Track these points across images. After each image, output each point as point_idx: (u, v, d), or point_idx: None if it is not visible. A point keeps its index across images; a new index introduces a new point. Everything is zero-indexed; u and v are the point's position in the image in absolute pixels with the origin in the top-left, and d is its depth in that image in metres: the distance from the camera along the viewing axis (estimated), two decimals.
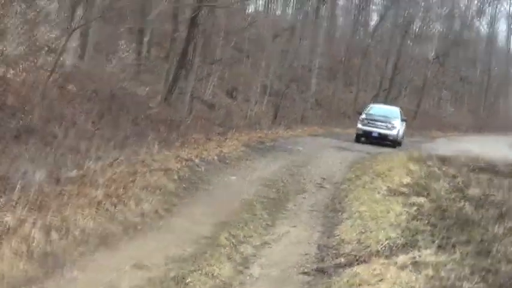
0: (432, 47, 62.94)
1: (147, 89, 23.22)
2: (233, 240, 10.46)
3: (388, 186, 15.74)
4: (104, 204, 10.91)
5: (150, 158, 15.30)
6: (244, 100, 37.87)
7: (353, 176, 18.13)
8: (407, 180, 17.01)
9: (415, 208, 13.21)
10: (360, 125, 31.84)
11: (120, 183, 12.19)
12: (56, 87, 18.55)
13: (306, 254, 10.19)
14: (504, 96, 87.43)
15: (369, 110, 33.44)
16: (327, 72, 51.69)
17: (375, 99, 47.21)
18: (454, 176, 19.09)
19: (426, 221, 12.15)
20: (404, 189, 15.59)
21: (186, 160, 16.17)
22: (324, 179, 17.64)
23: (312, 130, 35.02)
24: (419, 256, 9.47)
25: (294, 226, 12.06)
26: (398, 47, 55.81)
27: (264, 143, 23.98)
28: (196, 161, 16.49)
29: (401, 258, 9.37)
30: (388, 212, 12.59)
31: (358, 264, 9.47)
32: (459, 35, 67.07)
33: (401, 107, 36.63)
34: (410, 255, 9.57)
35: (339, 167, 20.09)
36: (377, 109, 34.12)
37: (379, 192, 14.92)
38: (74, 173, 12.27)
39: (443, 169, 20.56)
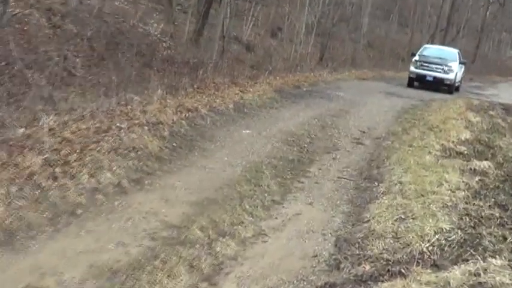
0: None
1: (162, 26, 19.44)
2: (211, 232, 7.02)
3: (442, 144, 12.13)
4: (38, 177, 7.51)
5: (140, 107, 11.83)
6: (289, 41, 34.13)
7: (400, 129, 14.48)
8: (466, 135, 13.38)
9: (477, 178, 9.68)
10: (412, 68, 27.91)
11: (77, 144, 8.82)
12: (50, 27, 15.44)
13: (315, 257, 6.66)
14: None
15: (423, 51, 29.50)
16: (379, 11, 47.54)
17: (431, 41, 43.11)
18: None
19: (493, 200, 8.52)
20: (462, 148, 12.02)
21: (189, 110, 12.79)
22: (363, 132, 14.08)
23: (360, 73, 31.24)
24: (485, 270, 5.82)
25: (310, 203, 8.64)
26: None
27: (300, 88, 20.39)
28: (203, 111, 13.07)
29: (457, 273, 5.74)
30: (441, 185, 9.01)
31: (389, 278, 5.88)
32: None
33: (459, 49, 32.32)
34: (471, 266, 5.94)
35: (384, 117, 16.41)
36: (432, 50, 30.16)
37: (430, 153, 11.31)
38: (20, 132, 8.94)
39: (509, 121, 16.74)
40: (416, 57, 28.22)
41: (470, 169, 10.31)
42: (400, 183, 9.17)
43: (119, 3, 19.23)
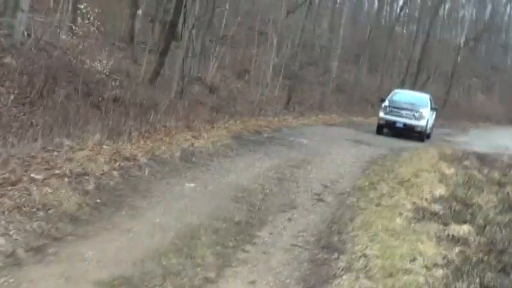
0: (462, 32, 57.25)
1: (113, 64, 17.65)
2: None
3: (414, 203, 10.53)
4: None
5: (68, 154, 10.03)
6: (256, 83, 32.63)
7: (367, 183, 12.78)
8: (441, 191, 11.84)
9: (457, 249, 8.03)
10: (382, 114, 26.28)
11: None
12: None
13: None
14: None
15: (392, 96, 27.86)
16: (349, 55, 46.18)
17: (402, 85, 41.64)
18: (501, 184, 13.79)
19: (478, 281, 6.79)
20: (437, 208, 10.47)
21: (126, 159, 11.02)
22: (326, 186, 12.34)
23: (328, 118, 29.67)
24: None
25: (252, 282, 6.89)
26: (426, 30, 50.02)
27: (261, 134, 18.67)
28: (143, 159, 11.31)
29: None
30: (415, 259, 7.39)
31: None
32: (491, 19, 61.08)
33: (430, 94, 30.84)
34: None
35: (350, 169, 14.69)
36: (402, 95, 28.61)
37: (401, 214, 9.64)
38: None
39: (485, 172, 15.12)
40: (386, 103, 26.60)
41: (448, 236, 8.67)
42: (365, 256, 7.44)
43: (66, 37, 17.40)
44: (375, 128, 26.61)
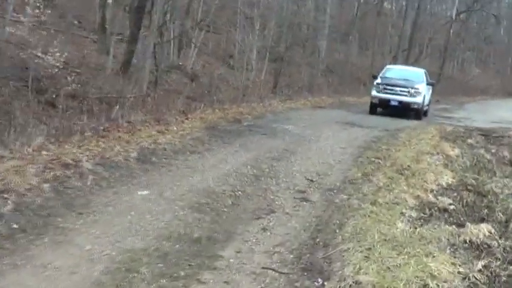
0: (453, 4, 55.04)
1: (68, 56, 15.48)
2: None
3: (418, 197, 8.41)
4: None
5: None
6: (241, 69, 30.48)
7: (360, 174, 10.74)
8: (447, 178, 9.84)
9: (480, 265, 5.79)
10: (374, 92, 24.11)
11: None
12: None
13: None
14: None
15: (385, 73, 25.70)
16: (337, 34, 43.99)
17: (394, 62, 39.38)
18: None
19: None
20: (447, 202, 8.50)
21: (65, 166, 9.00)
22: (311, 181, 10.26)
23: (318, 101, 27.53)
24: None
25: None
26: (416, 4, 47.76)
27: (241, 122, 16.46)
28: (87, 165, 9.24)
29: None
30: (426, 286, 5.01)
31: None
32: None
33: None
34: None
35: (340, 157, 12.61)
36: (396, 71, 26.42)
37: (403, 215, 7.57)
38: None
39: (493, 151, 13.01)
40: (379, 80, 24.46)
41: (465, 242, 6.44)
42: (358, 284, 5.26)
43: (15, 30, 15.22)
44: (367, 108, 24.33)
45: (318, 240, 7.19)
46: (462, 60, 63.89)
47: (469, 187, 9.80)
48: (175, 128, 13.48)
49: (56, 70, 14.45)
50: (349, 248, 6.52)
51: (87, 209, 7.70)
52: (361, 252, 6.29)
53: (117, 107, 14.66)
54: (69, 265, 5.98)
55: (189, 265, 6.24)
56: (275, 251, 6.86)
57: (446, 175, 10.43)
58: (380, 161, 12.00)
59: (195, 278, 5.95)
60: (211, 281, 5.93)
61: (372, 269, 5.72)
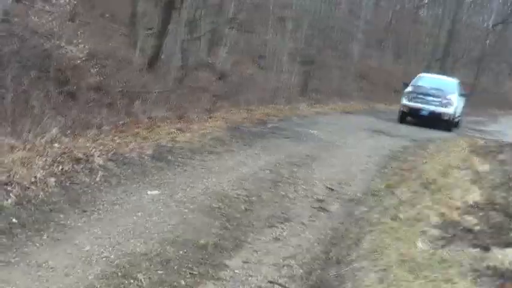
0: (490, 16, 54.07)
1: (93, 47, 15.14)
2: None
3: (442, 214, 7.84)
4: None
5: None
6: (271, 70, 30.10)
7: (383, 185, 10.25)
8: (474, 195, 9.22)
9: None
10: (405, 101, 23.45)
11: None
12: None
13: None
14: None
15: (417, 81, 24.99)
16: (371, 40, 43.36)
17: (427, 71, 38.57)
18: None
19: None
20: (472, 222, 7.90)
21: (76, 160, 8.61)
22: (331, 190, 9.78)
23: (347, 106, 26.92)
24: None
25: None
26: (452, 13, 46.92)
27: (266, 124, 16.04)
28: (99, 160, 8.85)
29: None
30: None
31: None
32: None
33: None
34: None
35: (364, 166, 12.13)
36: (428, 80, 25.66)
37: (424, 233, 7.12)
38: None
39: None
40: (410, 88, 23.83)
41: (488, 268, 5.92)
42: None
43: (40, 20, 14.84)
44: (397, 116, 23.73)
45: (331, 255, 6.76)
46: (497, 72, 62.71)
47: (496, 206, 9.26)
48: (196, 127, 13.08)
49: (79, 61, 14.07)
50: (363, 267, 6.08)
51: (93, 206, 7.32)
52: (375, 272, 5.84)
53: (139, 101, 14.25)
54: (64, 266, 5.62)
55: (191, 273, 5.86)
56: (285, 263, 6.45)
57: (473, 192, 9.90)
58: (405, 172, 11.51)
59: None
60: None
61: None
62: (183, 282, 5.64)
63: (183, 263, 6.07)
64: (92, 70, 14.32)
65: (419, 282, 5.51)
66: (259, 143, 13.03)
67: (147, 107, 14.15)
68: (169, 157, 10.32)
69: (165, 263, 5.98)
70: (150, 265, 5.88)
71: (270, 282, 5.91)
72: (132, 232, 6.69)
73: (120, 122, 12.27)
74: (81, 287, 5.25)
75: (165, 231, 6.87)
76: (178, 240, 6.62)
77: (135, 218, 7.17)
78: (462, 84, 26.84)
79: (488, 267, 6.14)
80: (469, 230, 7.64)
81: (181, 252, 6.33)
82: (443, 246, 6.77)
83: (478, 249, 6.72)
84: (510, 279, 5.86)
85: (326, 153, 12.97)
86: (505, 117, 38.68)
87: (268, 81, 25.64)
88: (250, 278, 5.93)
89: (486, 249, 6.75)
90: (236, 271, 6.10)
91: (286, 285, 5.86)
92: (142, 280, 5.51)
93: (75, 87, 13.43)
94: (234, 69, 26.29)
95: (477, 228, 7.75)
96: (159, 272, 5.77)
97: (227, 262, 6.28)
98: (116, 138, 10.53)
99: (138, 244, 6.36)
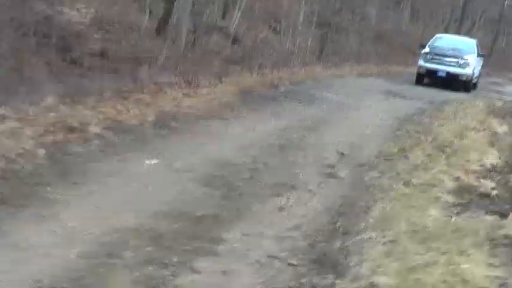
0: None
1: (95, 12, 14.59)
2: None
3: (457, 178, 7.17)
4: None
5: None
6: (287, 33, 29.43)
7: (396, 149, 9.66)
8: (492, 158, 8.69)
9: None
10: (421, 62, 22.75)
11: None
12: None
13: None
14: None
15: (434, 42, 24.23)
16: (388, 2, 42.43)
17: (445, 33, 37.67)
18: None
19: None
20: (489, 186, 7.38)
21: (68, 130, 7.98)
22: (342, 155, 9.23)
23: (364, 69, 26.17)
24: None
25: None
26: None
27: (278, 87, 15.36)
28: (95, 129, 8.32)
29: None
30: None
31: None
32: None
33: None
34: None
35: (378, 129, 11.55)
36: (445, 40, 24.93)
37: (437, 199, 6.51)
38: None
39: None
40: (427, 49, 23.10)
41: (507, 237, 5.31)
42: (372, 287, 4.22)
43: None
44: (414, 78, 23.00)
45: (338, 225, 6.19)
46: None
47: None
48: (204, 92, 12.50)
49: (82, 27, 13.53)
50: (371, 238, 5.54)
51: (84, 178, 6.78)
52: (383, 244, 5.29)
53: (146, 67, 13.68)
54: (45, 245, 5.08)
55: (185, 249, 5.32)
56: (288, 235, 5.91)
57: (491, 154, 9.35)
58: (420, 135, 10.92)
59: (188, 265, 5.03)
60: (207, 270, 5.01)
61: (393, 269, 4.71)
62: (174, 259, 5.10)
63: (177, 237, 5.54)
64: (95, 36, 13.77)
65: (430, 255, 4.95)
66: (270, 108, 12.47)
67: (154, 73, 13.58)
68: (173, 124, 9.77)
69: (156, 239, 5.45)
70: (140, 241, 5.35)
71: (270, 257, 5.35)
72: (124, 205, 6.18)
73: (124, 89, 11.70)
74: (59, 269, 4.71)
75: (160, 202, 6.34)
76: (174, 212, 6.10)
77: (128, 189, 6.64)
78: (480, 45, 26.05)
79: (506, 236, 5.56)
80: (486, 195, 7.09)
81: (175, 225, 5.80)
82: (458, 214, 6.20)
83: (495, 216, 6.13)
84: None
85: (339, 117, 12.43)
86: None
87: (283, 45, 25.02)
88: (248, 253, 5.41)
89: (504, 215, 6.17)
90: (234, 245, 5.58)
91: (288, 260, 5.27)
92: (130, 259, 4.98)
93: (78, 54, 12.89)
94: (248, 34, 25.61)
95: (494, 192, 7.19)
96: (149, 248, 5.23)
97: (225, 235, 5.74)
98: (117, 105, 9.98)
99: (129, 218, 5.82)
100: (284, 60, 21.91)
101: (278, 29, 29.13)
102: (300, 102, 13.62)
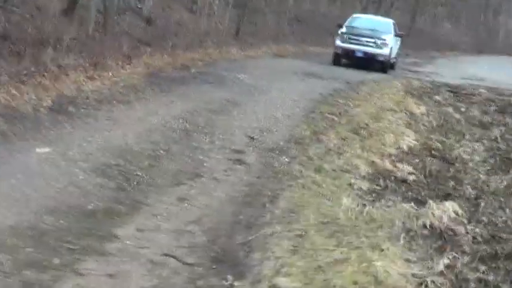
0: None
1: None
2: None
3: (372, 163, 6.82)
4: None
5: None
6: (203, 14, 28.81)
7: (309, 132, 9.19)
8: (409, 140, 8.30)
9: (442, 264, 4.32)
10: (338, 42, 22.46)
11: None
12: None
13: None
14: (506, 14, 76.39)
15: (351, 22, 23.98)
16: None
17: (363, 14, 37.65)
18: (484, 125, 10.20)
19: None
20: (406, 170, 7.00)
21: None
22: (252, 139, 8.72)
23: (281, 49, 25.83)
24: None
25: None
26: None
27: (189, 69, 14.73)
28: None
29: None
30: None
31: None
32: None
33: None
34: None
35: (291, 111, 11.08)
36: (363, 20, 24.73)
37: (351, 186, 6.16)
38: None
39: (462, 109, 11.51)
40: (343, 29, 22.81)
41: (425, 227, 4.92)
42: None
43: None
44: (331, 58, 22.70)
45: (242, 217, 5.69)
46: (434, 15, 62.25)
47: (433, 152, 8.37)
48: (110, 74, 11.83)
49: None
50: (276, 232, 5.05)
51: None
52: (289, 239, 4.81)
53: (51, 50, 12.89)
54: None
55: (70, 249, 4.75)
56: (187, 229, 5.39)
57: (408, 136, 9.02)
58: (335, 117, 10.52)
59: (72, 268, 4.47)
60: (92, 272, 4.44)
61: (298, 267, 4.22)
62: (57, 261, 4.53)
63: (62, 235, 4.95)
64: None
65: (340, 251, 4.50)
66: (178, 90, 11.88)
67: (59, 56, 12.81)
68: (71, 109, 9.10)
69: (38, 238, 4.85)
70: (19, 241, 4.74)
71: (165, 255, 4.80)
72: (5, 200, 5.52)
73: (24, 72, 10.93)
74: None
75: (46, 196, 5.72)
76: (61, 207, 5.49)
77: (13, 181, 5.99)
78: (398, 26, 25.95)
79: (424, 226, 5.16)
80: (403, 181, 6.71)
81: (61, 222, 5.21)
82: (372, 202, 5.79)
83: (412, 204, 5.72)
84: (449, 240, 4.87)
85: (250, 99, 11.90)
86: (442, 58, 38.23)
87: (198, 26, 24.42)
88: (141, 251, 4.87)
89: (422, 202, 5.78)
90: (127, 242, 5.02)
91: (183, 259, 4.74)
92: (4, 263, 4.35)
93: None
94: (163, 14, 24.99)
95: (412, 178, 6.80)
96: (28, 249, 4.64)
97: (118, 231, 5.18)
98: (12, 90, 9.22)
99: (9, 215, 5.20)
100: (199, 41, 21.34)
101: (194, 9, 28.58)
102: (211, 84, 13.06)
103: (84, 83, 10.67)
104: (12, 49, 12.38)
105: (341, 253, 4.47)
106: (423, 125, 10.26)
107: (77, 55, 13.36)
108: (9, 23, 13.32)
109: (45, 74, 11.00)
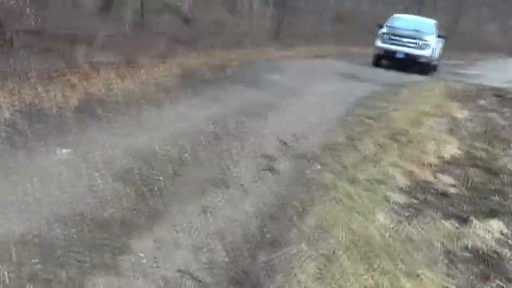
0: None
1: None
2: None
3: (411, 174, 6.34)
4: None
5: None
6: (244, 14, 28.69)
7: (344, 137, 8.68)
8: (451, 148, 7.78)
9: None
10: (379, 42, 22.00)
11: None
12: None
13: None
14: None
15: (392, 22, 23.39)
16: None
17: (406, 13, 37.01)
18: None
19: None
20: (448, 182, 6.69)
21: None
22: (285, 144, 8.25)
23: (321, 50, 25.35)
24: None
25: None
26: None
27: (225, 69, 14.34)
28: (4, 115, 7.09)
29: None
30: None
31: None
32: None
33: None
34: None
35: (327, 115, 10.64)
36: (404, 21, 24.13)
37: (386, 200, 5.67)
38: None
39: (507, 115, 10.98)
40: (384, 29, 22.31)
41: (467, 249, 4.46)
42: None
43: None
44: (371, 59, 22.20)
45: (266, 231, 5.27)
46: (478, 16, 61.13)
47: (477, 161, 7.84)
48: (142, 73, 11.45)
49: (13, 3, 12.47)
50: (301, 252, 4.59)
51: None
52: (315, 261, 4.37)
53: (85, 47, 12.66)
54: None
55: (79, 261, 4.36)
56: (207, 244, 4.97)
57: (450, 144, 8.50)
58: (372, 121, 10.03)
59: (78, 283, 4.08)
60: None
61: None
62: (63, 276, 4.19)
63: (72, 247, 4.59)
64: (28, 12, 12.72)
65: (371, 275, 4.05)
66: (210, 91, 11.50)
67: (92, 53, 12.57)
68: (98, 109, 8.77)
69: (46, 249, 4.51)
70: (24, 252, 4.39)
71: (180, 271, 4.42)
72: (17, 205, 5.19)
73: (53, 69, 10.67)
74: None
75: (59, 202, 5.37)
76: (74, 215, 5.13)
77: (27, 185, 5.65)
78: (441, 27, 25.31)
79: (465, 247, 4.67)
80: (443, 194, 6.19)
81: (73, 231, 4.84)
82: (409, 218, 5.29)
83: (453, 221, 5.24)
84: (494, 265, 4.40)
85: (286, 102, 11.47)
86: (486, 61, 37.26)
87: (238, 26, 24.13)
88: (155, 267, 4.46)
89: (464, 220, 5.28)
90: (141, 255, 4.62)
91: (199, 277, 4.35)
92: (6, 276, 4.00)
93: (12, 34, 11.86)
94: (202, 13, 24.70)
95: (453, 191, 6.30)
96: (34, 261, 4.28)
97: (133, 244, 4.81)
98: (39, 87, 8.93)
99: (19, 222, 4.87)
100: (237, 41, 20.99)
101: (234, 9, 28.40)
102: (246, 85, 12.64)
103: (114, 82, 10.36)
104: (45, 45, 12.17)
105: (372, 279, 4.02)
106: (466, 131, 9.73)
107: (110, 53, 13.13)
108: (44, 19, 13.07)
109: (75, 71, 10.72)
